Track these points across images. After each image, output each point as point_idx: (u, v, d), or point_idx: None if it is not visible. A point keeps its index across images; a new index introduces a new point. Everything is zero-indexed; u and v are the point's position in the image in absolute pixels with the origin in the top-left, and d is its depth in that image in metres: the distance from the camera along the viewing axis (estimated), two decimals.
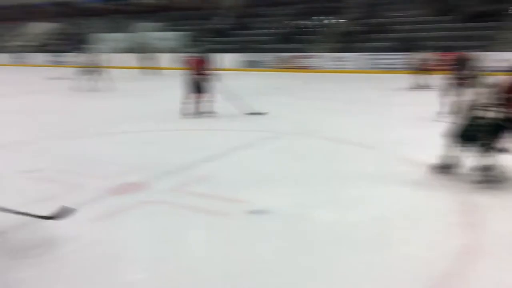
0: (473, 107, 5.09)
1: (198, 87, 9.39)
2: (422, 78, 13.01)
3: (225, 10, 26.15)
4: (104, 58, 15.75)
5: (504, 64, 5.17)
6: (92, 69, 14.55)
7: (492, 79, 5.07)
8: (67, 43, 28.00)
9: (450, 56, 10.89)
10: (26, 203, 4.50)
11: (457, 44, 16.58)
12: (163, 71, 20.23)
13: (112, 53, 23.97)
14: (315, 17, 22.66)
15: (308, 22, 22.45)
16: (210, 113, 9.49)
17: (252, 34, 23.15)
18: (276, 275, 3.32)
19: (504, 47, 15.99)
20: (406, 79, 13.59)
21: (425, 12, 20.18)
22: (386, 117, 9.27)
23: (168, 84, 14.86)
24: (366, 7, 21.78)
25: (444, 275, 3.27)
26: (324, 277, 3.29)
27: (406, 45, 18.07)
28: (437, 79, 10.26)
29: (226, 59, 20.61)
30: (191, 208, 4.61)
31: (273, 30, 22.63)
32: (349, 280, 3.25)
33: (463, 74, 8.24)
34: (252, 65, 20.98)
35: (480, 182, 4.95)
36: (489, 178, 4.92)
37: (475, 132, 4.99)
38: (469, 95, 5.50)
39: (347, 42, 19.88)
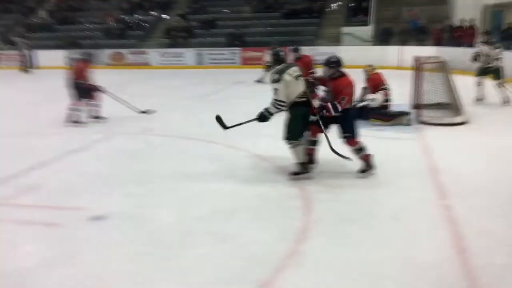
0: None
1: None
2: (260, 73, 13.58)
3: (45, 4, 24.18)
4: None
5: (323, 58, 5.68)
6: None
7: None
8: None
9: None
10: None
11: (280, 39, 17.94)
12: None
13: None
14: (145, 12, 22.28)
15: (139, 17, 21.97)
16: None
17: (78, 29, 21.85)
18: (128, 283, 3.30)
19: (325, 42, 17.67)
20: (235, 73, 14.23)
21: (250, 9, 21.25)
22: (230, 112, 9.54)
23: None
24: (194, 3, 22.14)
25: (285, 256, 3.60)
26: (174, 274, 3.37)
27: (232, 40, 18.98)
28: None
29: (51, 56, 19.17)
30: (20, 222, 4.26)
31: (100, 25, 21.65)
32: (199, 274, 3.38)
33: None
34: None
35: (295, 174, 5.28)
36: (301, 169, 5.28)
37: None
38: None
39: (177, 37, 19.99)
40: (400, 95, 9.08)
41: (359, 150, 5.29)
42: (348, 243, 3.80)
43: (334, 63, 5.31)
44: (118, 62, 19.62)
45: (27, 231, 4.12)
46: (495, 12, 17.01)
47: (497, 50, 9.62)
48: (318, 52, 16.79)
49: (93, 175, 5.63)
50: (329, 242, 3.82)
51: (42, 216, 4.40)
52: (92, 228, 4.15)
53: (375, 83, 8.10)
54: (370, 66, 8.26)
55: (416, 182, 5.17)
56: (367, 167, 5.32)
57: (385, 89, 8.05)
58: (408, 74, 9.43)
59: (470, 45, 14.54)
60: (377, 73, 8.22)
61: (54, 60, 18.89)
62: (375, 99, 7.92)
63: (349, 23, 18.71)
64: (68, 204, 4.66)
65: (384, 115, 7.92)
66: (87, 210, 4.49)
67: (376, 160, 5.42)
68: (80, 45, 18.77)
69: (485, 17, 16.75)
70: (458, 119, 7.80)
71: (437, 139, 6.93)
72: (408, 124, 7.78)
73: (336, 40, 18.13)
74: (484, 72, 9.70)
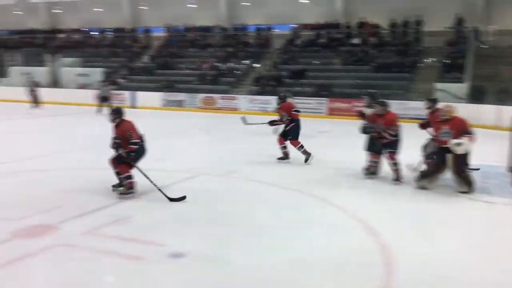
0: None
1: None
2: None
3: (148, 49, 26.13)
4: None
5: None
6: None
7: None
8: None
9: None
10: None
11: (370, 92, 17.79)
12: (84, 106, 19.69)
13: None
14: (238, 60, 23.26)
15: (232, 65, 22.98)
16: None
17: (174, 74, 23.26)
18: None
19: (416, 97, 17.27)
20: (321, 123, 14.22)
21: (340, 61, 21.42)
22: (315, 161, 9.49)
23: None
24: (285, 54, 22.75)
25: None
26: None
27: (320, 91, 19.11)
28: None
29: (150, 98, 20.52)
30: (103, 252, 4.46)
31: (196, 71, 22.89)
32: None
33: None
34: (176, 105, 20.97)
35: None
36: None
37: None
38: None
39: (266, 85, 20.55)
40: (496, 156, 8.52)
41: (396, 164, 7.31)
42: None
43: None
44: (209, 106, 20.47)
45: (109, 261, 4.29)
46: None
47: None
48: (408, 107, 16.46)
49: (177, 212, 5.80)
50: None
51: (125, 248, 4.57)
52: (171, 265, 4.23)
53: (459, 127, 6.99)
54: (449, 106, 7.50)
55: (501, 253, 4.74)
56: (398, 178, 7.33)
57: (470, 134, 6.95)
58: (507, 135, 8.86)
59: None
60: (458, 116, 7.26)
61: (151, 101, 20.21)
62: (462, 143, 6.78)
63: (442, 79, 18.15)
64: (151, 239, 4.81)
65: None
66: (168, 246, 4.60)
67: (467, 222, 5.08)
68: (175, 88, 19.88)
69: None
70: None
71: None
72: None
73: (428, 96, 17.56)
74: None
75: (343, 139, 12.48)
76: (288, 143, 8.96)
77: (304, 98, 19.17)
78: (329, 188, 7.05)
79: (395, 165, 7.42)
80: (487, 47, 20.01)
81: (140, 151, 6.42)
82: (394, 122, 7.39)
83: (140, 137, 6.46)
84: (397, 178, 7.42)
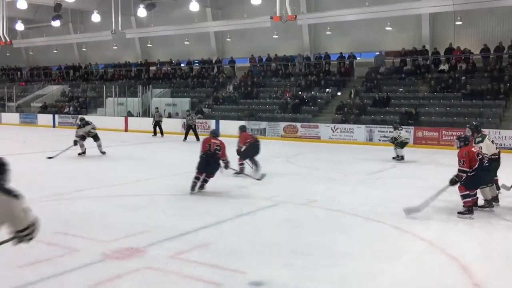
0: None
1: None
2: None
3: (232, 79, 26.97)
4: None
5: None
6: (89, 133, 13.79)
7: None
8: (75, 104, 28.73)
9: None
10: (24, 265, 4.48)
11: (459, 120, 16.97)
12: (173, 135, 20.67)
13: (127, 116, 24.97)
14: (321, 89, 23.26)
15: (314, 93, 23.03)
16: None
17: (257, 103, 23.72)
18: None
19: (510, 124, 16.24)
20: (406, 152, 13.70)
21: (427, 88, 20.70)
22: (394, 190, 9.20)
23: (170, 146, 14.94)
24: (369, 81, 22.40)
25: None
26: None
27: (406, 119, 18.48)
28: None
29: (231, 125, 21.02)
30: (187, 276, 4.56)
31: (278, 100, 23.20)
32: None
33: None
34: (258, 133, 21.32)
35: None
36: None
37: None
38: None
39: (348, 113, 20.29)
40: None
41: (464, 196, 6.91)
42: None
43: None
44: (291, 134, 20.57)
45: (189, 285, 4.38)
46: None
47: None
48: (501, 135, 15.45)
49: (257, 240, 5.82)
50: None
51: (205, 273, 4.65)
52: None
53: None
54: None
55: None
56: (468, 211, 6.87)
57: None
58: None
59: None
60: None
61: (233, 129, 20.69)
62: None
63: None
64: (231, 266, 4.85)
65: None
66: (247, 274, 4.61)
67: None
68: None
69: None
70: None
71: None
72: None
73: None
74: None
75: (429, 169, 11.92)
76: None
77: (388, 126, 18.67)
78: (416, 220, 6.72)
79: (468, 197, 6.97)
80: None
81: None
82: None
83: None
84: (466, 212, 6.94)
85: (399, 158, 13.33)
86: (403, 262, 5.13)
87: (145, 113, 25.72)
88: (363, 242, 5.84)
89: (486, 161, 7.04)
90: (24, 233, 2.96)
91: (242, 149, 10.51)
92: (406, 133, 14.19)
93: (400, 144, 13.42)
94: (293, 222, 6.75)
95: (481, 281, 4.51)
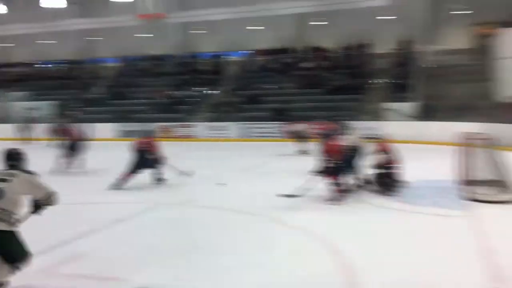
0: None
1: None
2: (301, 145, 13.82)
3: (100, 80, 25.77)
4: None
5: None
6: None
7: None
8: None
9: (321, 125, 11.99)
10: None
11: (324, 114, 18.16)
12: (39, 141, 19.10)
13: None
14: (194, 88, 23.29)
15: (186, 93, 22.98)
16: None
17: (129, 104, 23.00)
18: None
19: (368, 117, 17.79)
20: (279, 146, 14.38)
21: (294, 85, 21.86)
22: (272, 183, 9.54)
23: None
24: (240, 80, 23.02)
25: None
26: None
27: (277, 115, 19.37)
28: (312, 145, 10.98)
29: (102, 129, 20.11)
30: None
31: (150, 100, 22.74)
32: None
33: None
34: (130, 135, 20.67)
35: None
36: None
37: None
38: None
39: (223, 111, 20.65)
40: (446, 171, 8.85)
41: (332, 184, 7.51)
42: None
43: None
44: (165, 135, 20.31)
45: None
46: None
47: None
48: (362, 127, 16.90)
49: (135, 245, 5.68)
50: None
51: (81, 286, 4.43)
52: None
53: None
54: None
55: (466, 263, 4.91)
56: (336, 198, 7.45)
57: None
58: (452, 150, 9.25)
59: None
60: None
61: (104, 132, 19.83)
62: None
63: (392, 99, 18.84)
64: (109, 275, 4.68)
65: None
66: (127, 281, 4.49)
67: (424, 236, 5.25)
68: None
69: None
70: (507, 197, 7.48)
71: (487, 217, 6.64)
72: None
73: (379, 116, 18.22)
74: None
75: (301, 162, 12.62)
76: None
77: (261, 122, 19.38)
78: (288, 210, 7.09)
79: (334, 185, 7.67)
80: (433, 66, 20.99)
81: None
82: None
83: None
84: (334, 199, 7.61)
85: (303, 152, 13.70)
86: (281, 252, 5.38)
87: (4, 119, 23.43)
88: (242, 236, 6.01)
89: (350, 152, 7.74)
90: (44, 201, 4.14)
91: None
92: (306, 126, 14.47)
93: (299, 138, 13.90)
94: (172, 223, 6.71)
95: (351, 262, 4.93)
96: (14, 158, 4.28)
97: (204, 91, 23.13)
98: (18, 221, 3.99)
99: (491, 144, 8.14)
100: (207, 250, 5.46)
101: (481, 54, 19.84)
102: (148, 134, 10.23)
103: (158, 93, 22.97)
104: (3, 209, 3.83)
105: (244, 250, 5.44)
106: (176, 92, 22.96)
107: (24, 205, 4.07)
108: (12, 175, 4.02)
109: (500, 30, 17.68)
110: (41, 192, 4.13)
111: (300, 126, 14.32)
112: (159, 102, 22.26)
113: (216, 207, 7.54)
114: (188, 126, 20.30)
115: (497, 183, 7.94)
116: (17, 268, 3.98)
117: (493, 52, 18.68)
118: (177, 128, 20.34)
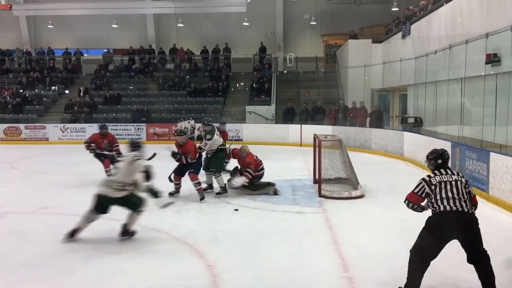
0: None
1: None
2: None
3: None
4: None
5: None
6: None
7: None
8: None
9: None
10: None
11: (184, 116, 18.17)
12: None
13: None
14: (45, 87, 21.59)
15: (38, 92, 21.20)
16: None
17: None
18: None
19: (229, 120, 18.18)
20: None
21: (155, 87, 21.52)
22: None
23: None
24: (98, 79, 21.95)
25: None
26: None
27: (138, 116, 18.90)
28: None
29: None
30: None
31: None
32: None
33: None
34: None
35: None
36: None
37: None
38: None
39: (79, 112, 19.51)
40: (303, 170, 9.47)
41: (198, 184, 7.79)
42: None
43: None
44: (13, 137, 18.54)
45: None
46: (381, 95, 18.80)
47: None
48: (222, 129, 17.25)
49: None
50: None
51: None
52: None
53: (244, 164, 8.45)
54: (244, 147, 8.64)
55: (321, 255, 5.30)
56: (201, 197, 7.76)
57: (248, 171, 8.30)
58: (310, 151, 9.93)
59: (364, 124, 15.76)
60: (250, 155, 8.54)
61: None
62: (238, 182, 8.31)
63: (252, 102, 19.60)
64: None
65: (252, 185, 8.36)
66: None
67: (283, 233, 5.54)
68: None
69: (373, 99, 18.36)
70: (355, 193, 8.24)
71: (337, 212, 7.24)
72: (276, 194, 8.27)
73: (241, 118, 18.85)
74: None
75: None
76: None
77: (122, 124, 18.75)
78: (154, 216, 6.94)
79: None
80: (286, 72, 22.42)
81: None
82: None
83: None
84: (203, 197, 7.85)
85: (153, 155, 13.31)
86: (147, 256, 5.25)
87: None
88: (102, 243, 5.73)
89: (208, 153, 8.05)
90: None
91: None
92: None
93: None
94: (21, 234, 6.13)
95: (213, 261, 5.00)
96: None
97: (58, 90, 21.57)
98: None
99: (339, 145, 8.94)
100: (62, 261, 5.10)
101: (332, 62, 21.81)
102: None
103: (4, 91, 20.85)
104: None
105: (103, 258, 5.18)
106: (25, 91, 21.07)
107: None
108: None
109: (347, 41, 19.45)
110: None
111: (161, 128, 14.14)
112: (5, 101, 20.21)
113: (71, 214, 7.06)
114: (40, 128, 18.77)
115: (346, 181, 8.74)
116: (141, 212, 5.75)
117: (341, 61, 20.54)
118: (26, 129, 18.70)
